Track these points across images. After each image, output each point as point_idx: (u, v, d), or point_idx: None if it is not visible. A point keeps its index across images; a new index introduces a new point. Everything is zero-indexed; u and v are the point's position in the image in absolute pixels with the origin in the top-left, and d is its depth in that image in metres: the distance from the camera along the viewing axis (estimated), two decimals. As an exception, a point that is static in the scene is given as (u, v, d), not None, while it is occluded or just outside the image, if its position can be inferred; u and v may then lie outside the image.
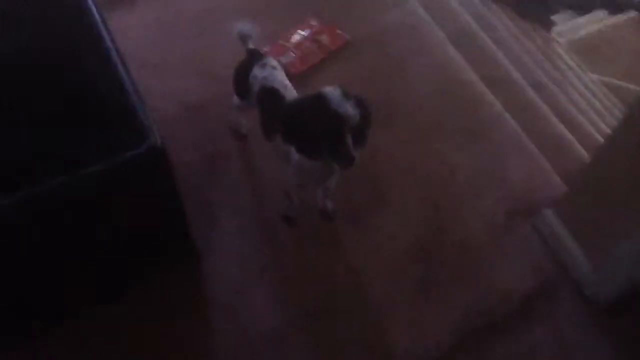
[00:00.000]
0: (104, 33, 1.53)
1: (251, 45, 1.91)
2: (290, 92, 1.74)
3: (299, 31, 2.45)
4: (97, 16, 1.57)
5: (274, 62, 1.83)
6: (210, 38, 2.42)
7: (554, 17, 4.28)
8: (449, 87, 2.34)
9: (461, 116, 2.25)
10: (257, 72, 1.79)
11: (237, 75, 1.92)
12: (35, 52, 1.59)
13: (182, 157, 2.06)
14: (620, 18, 4.70)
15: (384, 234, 1.95)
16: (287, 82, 1.78)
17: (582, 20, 4.82)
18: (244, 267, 1.88)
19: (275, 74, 1.78)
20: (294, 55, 2.35)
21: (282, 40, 2.42)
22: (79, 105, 1.51)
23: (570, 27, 4.64)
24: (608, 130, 2.98)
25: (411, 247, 1.93)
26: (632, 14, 4.71)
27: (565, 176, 2.14)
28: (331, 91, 1.44)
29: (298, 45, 2.39)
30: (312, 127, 1.45)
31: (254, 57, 1.86)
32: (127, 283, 1.76)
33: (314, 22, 2.48)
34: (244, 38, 1.92)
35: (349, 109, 1.41)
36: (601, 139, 2.65)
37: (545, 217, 1.97)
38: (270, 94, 1.74)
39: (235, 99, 1.98)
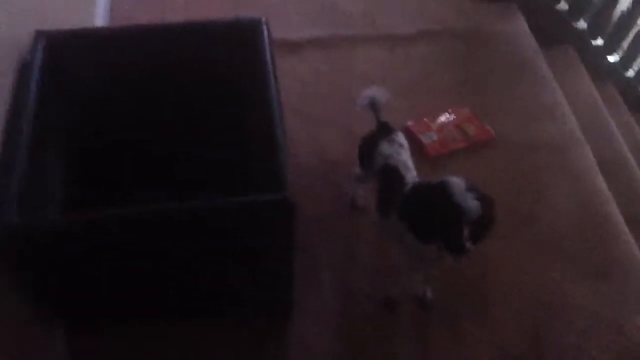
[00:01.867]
0: (271, 79, 1.61)
1: (382, 118, 1.91)
2: (411, 174, 1.74)
3: (447, 114, 2.44)
4: (268, 61, 1.66)
5: (402, 140, 1.83)
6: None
7: None
8: (585, 216, 2.19)
9: (590, 250, 2.10)
10: (383, 147, 1.79)
11: (363, 146, 1.93)
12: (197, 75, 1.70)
13: (300, 210, 2.11)
14: None
15: (475, 347, 1.85)
16: (410, 163, 1.77)
17: None
18: (327, 338, 1.85)
19: (401, 152, 1.78)
20: (436, 137, 2.34)
21: (428, 118, 2.42)
22: (227, 140, 1.58)
23: None
24: None
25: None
26: None
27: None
28: (456, 181, 1.45)
29: (442, 127, 2.38)
30: (430, 213, 1.46)
31: (383, 131, 1.86)
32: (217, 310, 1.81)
33: (463, 110, 2.46)
34: (374, 106, 1.92)
35: (470, 202, 1.41)
36: None
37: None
38: (392, 173, 1.74)
39: (357, 169, 1.99)
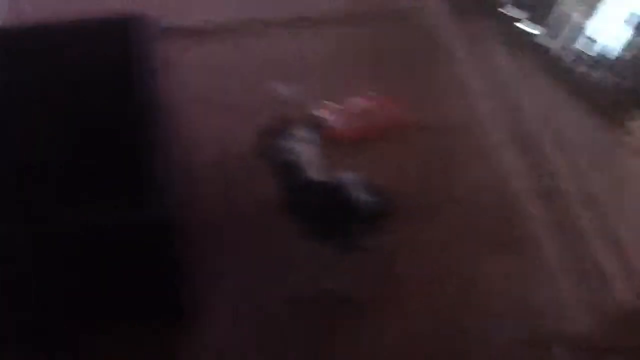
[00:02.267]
0: (146, 80, 1.52)
1: (284, 113, 1.84)
2: (315, 171, 1.68)
3: (359, 98, 2.38)
4: (143, 61, 1.56)
5: (304, 133, 1.76)
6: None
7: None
8: (495, 195, 2.20)
9: (501, 229, 2.12)
10: (284, 142, 1.72)
11: (264, 140, 1.85)
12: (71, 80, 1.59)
13: (207, 210, 2.05)
14: None
15: (390, 335, 1.84)
16: (313, 157, 1.71)
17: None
18: (233, 337, 1.81)
19: (302, 147, 1.71)
20: (347, 123, 2.28)
21: (339, 104, 2.35)
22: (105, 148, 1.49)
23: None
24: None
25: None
26: None
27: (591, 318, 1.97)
28: (349, 177, 1.45)
29: (353, 112, 2.32)
30: (323, 211, 1.45)
31: (284, 125, 1.79)
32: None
33: (374, 95, 2.40)
34: (277, 101, 1.85)
35: (364, 197, 1.38)
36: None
37: (555, 356, 1.81)
38: (294, 169, 1.68)
39: (262, 163, 1.90)
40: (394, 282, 1.94)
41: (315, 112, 2.29)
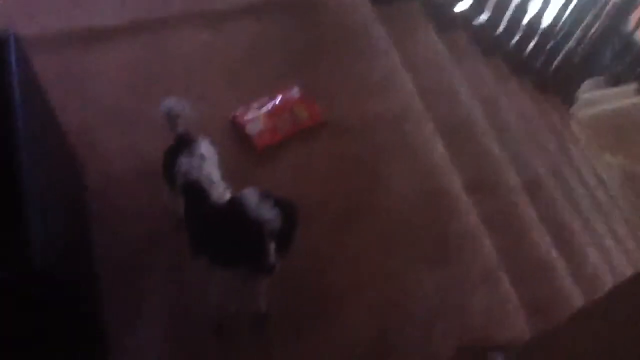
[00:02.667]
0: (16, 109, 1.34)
1: (180, 128, 1.67)
2: (218, 188, 1.55)
3: (276, 98, 2.21)
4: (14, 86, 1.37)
5: (204, 150, 1.61)
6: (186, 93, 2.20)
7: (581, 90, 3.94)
8: (425, 194, 2.09)
9: (431, 230, 2.02)
10: (182, 161, 1.57)
11: (164, 160, 1.69)
12: None
13: (121, 229, 1.90)
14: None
15: (321, 353, 1.75)
16: (216, 176, 1.57)
17: (611, 92, 4.50)
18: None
19: (202, 165, 1.57)
20: (264, 126, 2.12)
21: (255, 104, 2.19)
22: None
23: (596, 97, 4.33)
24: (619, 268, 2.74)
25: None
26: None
27: (533, 318, 1.92)
28: (248, 193, 1.32)
29: (270, 114, 2.15)
30: (229, 234, 1.33)
31: (182, 143, 1.63)
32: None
33: (294, 91, 2.25)
34: (171, 118, 1.67)
35: (267, 213, 1.29)
36: (605, 278, 2.41)
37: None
38: (194, 189, 1.54)
39: (165, 188, 1.75)
40: (324, 296, 1.84)
41: (235, 117, 2.15)
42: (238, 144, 2.10)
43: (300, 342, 1.77)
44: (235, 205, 1.33)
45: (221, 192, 1.55)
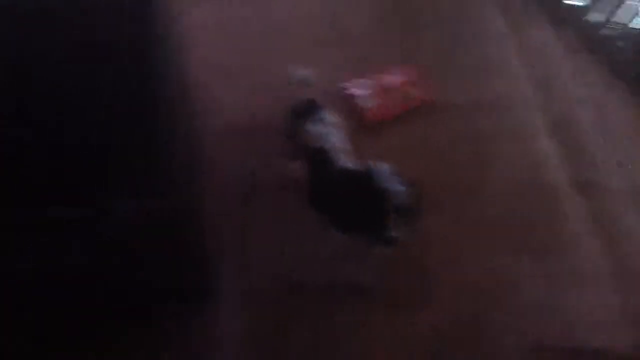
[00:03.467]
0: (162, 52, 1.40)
1: (309, 95, 1.75)
2: (343, 156, 1.59)
3: (388, 74, 2.22)
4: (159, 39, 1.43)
5: (332, 119, 1.66)
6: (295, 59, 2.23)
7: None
8: (530, 187, 2.06)
9: (535, 225, 1.98)
10: (311, 127, 1.64)
11: (289, 121, 1.75)
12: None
13: (228, 181, 1.96)
14: None
15: (411, 330, 1.76)
16: (341, 144, 1.62)
17: None
18: (247, 322, 1.74)
19: (330, 133, 1.63)
20: (376, 100, 2.14)
21: (367, 78, 2.20)
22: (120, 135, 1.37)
23: None
24: None
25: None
26: None
27: (632, 329, 1.85)
28: (379, 166, 1.38)
29: (383, 89, 2.17)
30: (354, 202, 1.37)
31: (311, 108, 1.69)
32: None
33: (406, 69, 2.24)
34: (301, 84, 1.75)
35: (397, 186, 1.34)
36: None
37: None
38: (321, 155, 1.59)
39: (285, 144, 1.81)
40: (422, 275, 1.85)
41: (344, 90, 2.17)
42: (347, 115, 2.11)
43: (396, 316, 1.78)
44: (366, 174, 1.36)
45: (346, 158, 1.59)
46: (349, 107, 2.13)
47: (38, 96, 1.37)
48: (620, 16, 2.90)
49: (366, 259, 1.70)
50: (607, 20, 2.91)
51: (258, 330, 1.73)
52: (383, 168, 1.38)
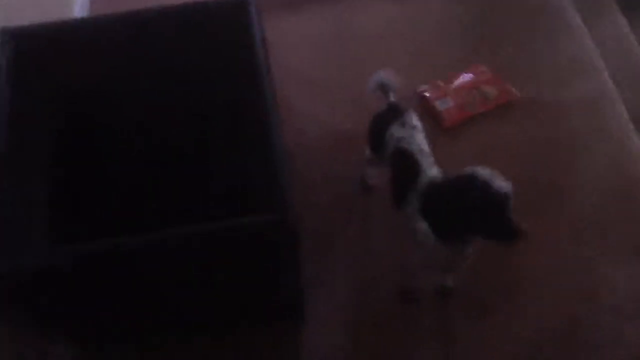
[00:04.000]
0: (264, 70, 1.43)
1: (392, 98, 1.75)
2: (427, 158, 1.60)
3: (464, 75, 2.21)
4: (259, 50, 1.46)
5: (415, 122, 1.67)
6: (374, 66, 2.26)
7: None
8: (623, 186, 2.01)
9: (631, 226, 1.93)
10: (394, 130, 1.64)
11: (372, 127, 1.77)
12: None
13: (310, 193, 1.99)
14: None
15: (504, 342, 1.74)
16: (425, 146, 1.63)
17: None
18: (344, 335, 1.76)
19: (414, 135, 1.63)
20: (452, 102, 2.13)
21: (443, 81, 2.20)
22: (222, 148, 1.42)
23: None
24: None
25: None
26: None
27: None
28: (483, 169, 1.37)
29: (458, 90, 2.16)
30: (471, 208, 1.35)
31: (393, 112, 1.69)
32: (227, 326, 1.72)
33: (483, 69, 2.23)
34: (384, 89, 1.76)
35: (506, 185, 1.33)
36: None
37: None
38: (406, 158, 1.60)
39: (368, 151, 1.83)
40: (512, 279, 1.84)
41: (421, 93, 2.18)
42: (424, 119, 2.11)
43: (481, 321, 1.78)
44: (472, 179, 1.36)
45: (431, 162, 1.59)
46: (427, 111, 2.14)
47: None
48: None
49: (455, 264, 1.70)
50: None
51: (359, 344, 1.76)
52: (486, 170, 1.37)
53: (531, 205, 1.94)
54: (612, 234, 1.92)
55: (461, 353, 1.74)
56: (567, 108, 2.16)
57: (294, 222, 1.24)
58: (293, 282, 1.47)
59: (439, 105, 2.13)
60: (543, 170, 2.03)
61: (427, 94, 2.16)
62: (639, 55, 2.46)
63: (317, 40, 2.33)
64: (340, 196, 2.01)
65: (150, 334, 1.64)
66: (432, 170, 1.58)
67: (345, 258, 1.89)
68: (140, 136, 1.56)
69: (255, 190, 1.31)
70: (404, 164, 1.61)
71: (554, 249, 1.89)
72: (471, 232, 1.42)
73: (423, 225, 1.51)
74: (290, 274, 1.43)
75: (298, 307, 1.67)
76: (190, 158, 1.44)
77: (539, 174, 2.01)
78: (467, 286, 1.80)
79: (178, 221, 1.20)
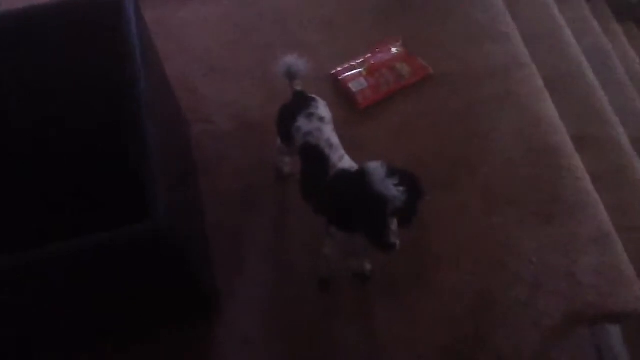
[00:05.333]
0: (138, 68, 1.36)
1: (298, 87, 1.70)
2: (337, 152, 1.56)
3: (377, 54, 2.18)
4: (136, 47, 1.39)
5: (322, 112, 1.62)
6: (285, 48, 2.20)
7: None
8: (533, 152, 2.00)
9: (539, 191, 1.94)
10: (302, 123, 1.59)
11: (280, 119, 1.73)
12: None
13: (220, 184, 1.98)
14: None
15: (420, 319, 1.76)
16: (334, 139, 1.59)
17: None
18: (262, 325, 1.76)
19: (322, 128, 1.59)
20: (366, 83, 2.10)
21: (356, 61, 2.17)
22: (93, 154, 1.36)
23: None
24: None
25: (447, 346, 1.72)
26: None
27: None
28: (375, 168, 1.30)
29: (372, 70, 2.13)
30: (350, 205, 1.33)
31: (300, 102, 1.64)
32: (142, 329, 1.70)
33: (395, 47, 2.20)
34: (290, 75, 1.69)
35: (393, 190, 1.27)
36: None
37: (608, 333, 1.71)
38: (314, 152, 1.56)
39: (278, 141, 1.80)
40: (426, 256, 1.83)
41: (335, 76, 2.13)
42: (339, 101, 2.09)
43: (399, 301, 1.78)
44: (361, 177, 1.31)
45: (340, 155, 1.56)
46: (342, 93, 2.11)
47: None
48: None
49: (367, 253, 1.68)
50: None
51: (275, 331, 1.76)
52: (378, 169, 1.31)
53: (443, 178, 1.96)
54: (523, 201, 1.92)
55: (381, 332, 1.74)
56: (478, 78, 2.15)
57: (168, 229, 1.20)
58: (192, 279, 1.45)
59: (353, 87, 2.10)
60: (456, 143, 2.02)
61: (340, 76, 2.12)
62: (554, 18, 2.45)
63: (221, 24, 2.28)
64: (253, 186, 1.98)
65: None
66: (342, 163, 1.55)
67: (262, 247, 1.88)
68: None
69: (127, 199, 1.26)
70: (312, 157, 1.58)
71: (465, 221, 1.89)
72: (356, 228, 1.39)
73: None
74: (185, 273, 1.41)
75: (209, 301, 1.66)
76: (60, 167, 1.37)
77: (450, 146, 2.01)
78: (383, 266, 1.79)
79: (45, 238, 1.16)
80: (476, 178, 1.96)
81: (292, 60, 1.69)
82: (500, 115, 2.08)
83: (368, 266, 1.79)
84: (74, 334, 1.52)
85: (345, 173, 1.47)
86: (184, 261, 1.33)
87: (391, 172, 1.29)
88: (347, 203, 1.34)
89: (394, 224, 1.31)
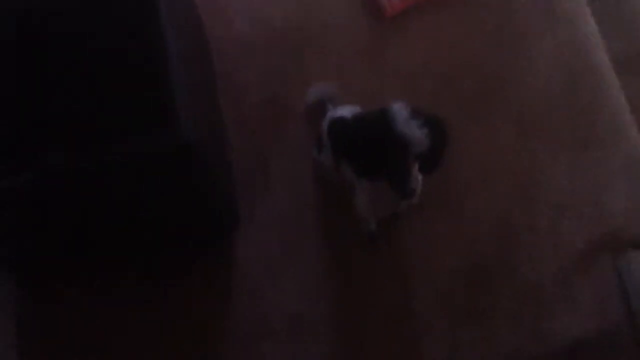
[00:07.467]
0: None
1: (331, 107, 1.67)
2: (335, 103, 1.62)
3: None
4: None
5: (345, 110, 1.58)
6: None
7: None
8: (570, 72, 1.88)
9: (573, 112, 1.85)
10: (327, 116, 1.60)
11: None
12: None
13: (245, 97, 1.88)
14: None
15: (445, 245, 1.74)
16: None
17: None
18: (283, 247, 1.75)
19: (343, 108, 1.58)
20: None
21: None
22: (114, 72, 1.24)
23: None
24: None
25: (471, 268, 1.71)
26: None
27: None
28: (398, 109, 1.23)
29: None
30: (371, 147, 1.27)
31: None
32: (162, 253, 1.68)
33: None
34: (323, 102, 1.71)
35: (417, 132, 1.20)
36: None
37: (632, 258, 1.69)
38: (338, 122, 1.52)
39: (314, 151, 1.71)
40: (449, 179, 1.75)
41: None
42: (363, 10, 1.95)
43: (420, 229, 1.74)
44: (384, 117, 1.23)
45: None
46: (367, 1, 1.95)
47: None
48: None
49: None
50: None
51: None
52: (402, 110, 1.22)
53: (474, 99, 1.86)
54: (557, 124, 1.84)
55: (406, 253, 1.73)
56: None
57: (186, 135, 1.14)
58: (214, 190, 1.42)
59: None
60: (489, 61, 1.90)
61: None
62: None
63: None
64: (275, 97, 1.88)
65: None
66: (336, 111, 1.54)
67: (287, 156, 1.82)
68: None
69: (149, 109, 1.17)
70: (337, 127, 1.51)
71: (495, 145, 1.82)
72: (379, 170, 1.30)
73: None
74: (208, 182, 1.38)
75: (231, 222, 1.65)
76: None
77: (484, 66, 1.89)
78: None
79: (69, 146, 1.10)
80: (510, 101, 1.86)
81: (323, 87, 1.73)
82: (538, 34, 1.93)
83: (372, 226, 1.73)
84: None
85: (365, 113, 1.43)
86: (206, 167, 1.29)
87: (415, 113, 1.22)
88: (369, 145, 1.27)
89: (415, 169, 1.26)
